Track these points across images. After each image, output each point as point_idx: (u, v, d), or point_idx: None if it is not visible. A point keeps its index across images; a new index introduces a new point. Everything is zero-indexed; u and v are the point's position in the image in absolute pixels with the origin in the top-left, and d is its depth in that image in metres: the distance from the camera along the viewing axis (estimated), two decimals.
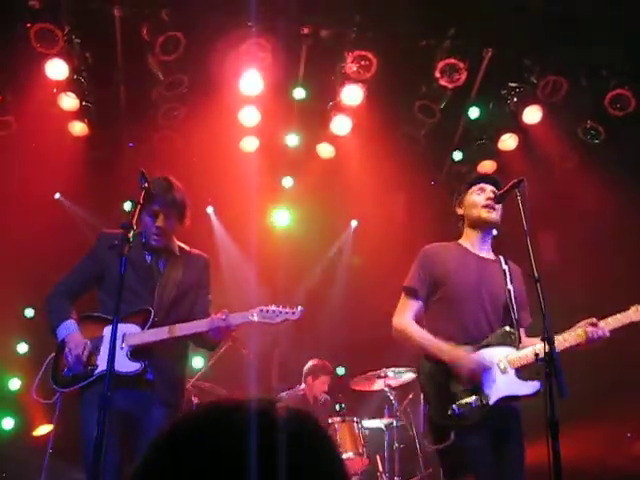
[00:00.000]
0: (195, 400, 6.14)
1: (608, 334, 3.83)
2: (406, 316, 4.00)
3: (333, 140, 7.92)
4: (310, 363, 7.43)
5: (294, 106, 7.52)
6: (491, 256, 4.18)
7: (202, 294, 4.17)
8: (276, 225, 8.66)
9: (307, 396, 7.28)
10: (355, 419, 6.48)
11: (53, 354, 3.97)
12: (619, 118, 7.16)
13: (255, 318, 3.79)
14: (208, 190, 7.82)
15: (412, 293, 4.05)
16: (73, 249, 6.84)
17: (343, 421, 6.39)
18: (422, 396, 3.96)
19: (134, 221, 3.44)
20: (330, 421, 6.35)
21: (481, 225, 4.12)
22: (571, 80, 7.14)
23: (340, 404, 6.90)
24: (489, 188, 4.11)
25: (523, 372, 3.83)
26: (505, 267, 4.10)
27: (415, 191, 8.62)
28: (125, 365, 3.75)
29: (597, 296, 5.83)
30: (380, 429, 6.71)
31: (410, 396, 6.67)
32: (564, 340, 3.75)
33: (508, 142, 7.80)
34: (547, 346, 3.34)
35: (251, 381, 7.10)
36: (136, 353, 3.81)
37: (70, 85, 6.95)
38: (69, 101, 7.06)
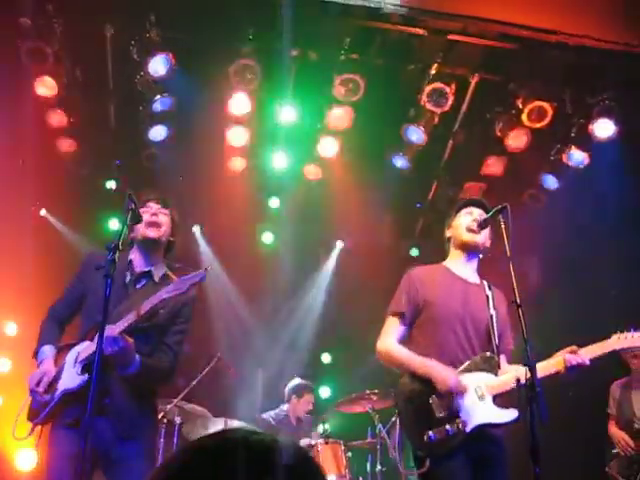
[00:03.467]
0: (178, 420, 6.13)
1: (587, 362, 3.81)
2: (390, 338, 4.04)
3: (320, 162, 7.97)
4: (293, 382, 7.42)
5: (282, 127, 7.58)
6: (476, 280, 4.22)
7: (172, 329, 3.91)
8: (262, 245, 8.70)
9: (290, 417, 7.28)
10: (338, 441, 6.40)
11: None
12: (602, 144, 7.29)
13: (165, 295, 3.55)
14: (194, 209, 7.84)
15: (397, 317, 4.07)
16: (57, 266, 6.90)
17: (326, 443, 6.30)
18: (398, 420, 3.99)
19: (120, 242, 3.42)
20: (313, 442, 6.29)
21: (464, 247, 4.18)
22: (556, 105, 7.25)
23: (324, 422, 6.88)
24: (476, 211, 4.17)
25: (501, 399, 3.83)
26: (488, 292, 4.13)
27: (401, 213, 8.75)
28: (73, 381, 3.65)
29: (581, 320, 5.92)
30: (363, 451, 6.67)
31: (393, 418, 6.53)
32: (542, 368, 3.70)
33: (494, 167, 7.88)
34: (529, 372, 3.34)
35: (235, 400, 7.12)
36: (87, 368, 3.64)
37: (59, 102, 6.99)
38: (57, 118, 7.09)
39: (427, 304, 4.04)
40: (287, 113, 7.30)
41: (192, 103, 7.03)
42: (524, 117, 7.21)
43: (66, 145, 7.34)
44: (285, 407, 7.30)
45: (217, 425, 6.29)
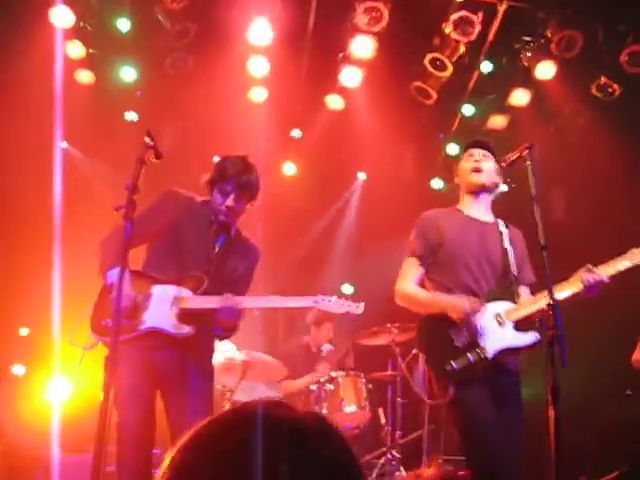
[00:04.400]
0: None
1: (607, 279, 3.75)
2: (408, 282, 4.11)
3: (343, 92, 7.83)
4: (312, 312, 7.46)
5: (304, 57, 7.43)
6: (489, 219, 4.25)
7: (242, 285, 4.14)
8: (284, 176, 8.60)
9: (311, 346, 7.35)
10: (359, 373, 6.50)
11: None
12: (635, 75, 7.07)
13: (313, 304, 3.91)
14: (215, 140, 7.72)
15: (416, 260, 4.14)
16: (83, 197, 6.94)
17: (347, 375, 6.40)
18: (420, 355, 4.06)
19: (137, 182, 3.38)
20: (334, 375, 6.38)
21: (471, 189, 4.23)
22: (587, 35, 7.02)
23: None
24: (477, 152, 4.22)
25: (521, 324, 3.89)
26: (504, 229, 4.19)
27: (424, 144, 8.56)
28: (175, 326, 3.82)
29: (607, 255, 5.86)
30: (384, 383, 6.77)
31: (414, 351, 6.61)
32: (559, 290, 3.66)
33: (520, 97, 7.72)
34: (552, 312, 3.29)
35: (257, 333, 7.20)
36: (184, 317, 3.84)
37: (76, 33, 6.87)
38: (75, 49, 6.98)
39: (442, 244, 4.10)
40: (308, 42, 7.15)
41: (211, 32, 6.91)
42: (553, 47, 7.00)
43: (85, 76, 7.28)
44: (306, 338, 7.33)
45: (241, 355, 6.30)
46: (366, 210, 8.72)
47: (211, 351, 4.15)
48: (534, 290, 4.06)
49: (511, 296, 3.97)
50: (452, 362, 3.78)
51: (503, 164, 3.90)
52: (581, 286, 3.75)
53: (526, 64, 7.32)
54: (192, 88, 7.38)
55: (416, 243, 4.16)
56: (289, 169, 8.63)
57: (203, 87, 7.35)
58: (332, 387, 6.29)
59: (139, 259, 4.11)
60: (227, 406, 6.00)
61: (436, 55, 7.22)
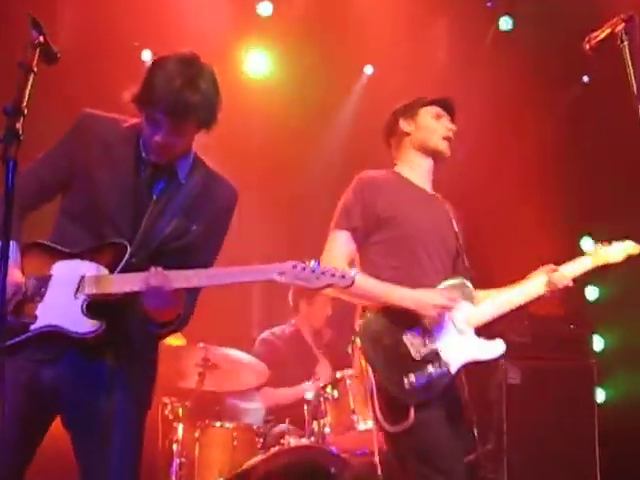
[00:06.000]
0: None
1: (572, 283, 4.65)
2: (341, 261, 4.42)
3: None
4: None
5: None
6: (432, 192, 4.86)
7: (200, 255, 4.00)
8: (249, 74, 8.77)
9: (303, 332, 7.33)
10: None
11: None
12: None
13: (279, 277, 3.66)
14: (143, 26, 7.69)
15: (348, 234, 4.56)
16: None
17: (359, 375, 5.98)
18: (365, 365, 4.41)
19: (24, 102, 3.22)
20: (339, 375, 6.22)
21: (433, 154, 4.81)
22: None
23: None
24: (446, 118, 4.82)
25: (481, 331, 4.44)
26: (447, 206, 4.84)
27: (463, 18, 8.68)
28: (77, 322, 3.70)
29: None
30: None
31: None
32: (523, 294, 4.59)
33: None
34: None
35: (220, 319, 7.15)
36: (96, 307, 3.72)
37: None
38: None
39: (388, 219, 4.54)
40: None
41: None
42: None
43: None
44: (294, 321, 7.34)
45: (195, 354, 6.43)
46: (374, 125, 8.65)
47: (149, 360, 4.05)
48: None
49: (469, 295, 4.52)
50: (413, 376, 4.19)
51: (586, 46, 3.85)
52: (547, 290, 4.58)
53: None
54: None
55: (352, 211, 4.54)
56: (256, 64, 8.72)
57: None
58: (337, 394, 6.14)
59: None
60: (178, 436, 6.03)
61: None
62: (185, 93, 3.71)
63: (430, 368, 4.23)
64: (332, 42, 8.51)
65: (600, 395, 8.22)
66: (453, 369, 4.28)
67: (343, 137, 9.08)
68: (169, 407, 6.45)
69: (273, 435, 6.40)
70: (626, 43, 3.57)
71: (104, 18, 7.77)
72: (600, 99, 8.11)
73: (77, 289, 3.74)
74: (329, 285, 3.67)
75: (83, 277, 3.75)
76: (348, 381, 6.18)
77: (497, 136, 8.46)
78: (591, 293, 8.99)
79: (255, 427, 6.52)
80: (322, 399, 6.17)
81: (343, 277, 3.66)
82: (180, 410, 6.37)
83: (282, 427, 6.44)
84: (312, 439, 6.01)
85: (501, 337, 4.58)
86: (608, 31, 3.66)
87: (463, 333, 4.40)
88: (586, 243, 8.03)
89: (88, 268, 3.78)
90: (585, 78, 8.74)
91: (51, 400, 3.73)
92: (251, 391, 7.09)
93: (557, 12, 8.14)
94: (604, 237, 4.91)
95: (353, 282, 3.67)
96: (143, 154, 3.91)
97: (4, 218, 3.10)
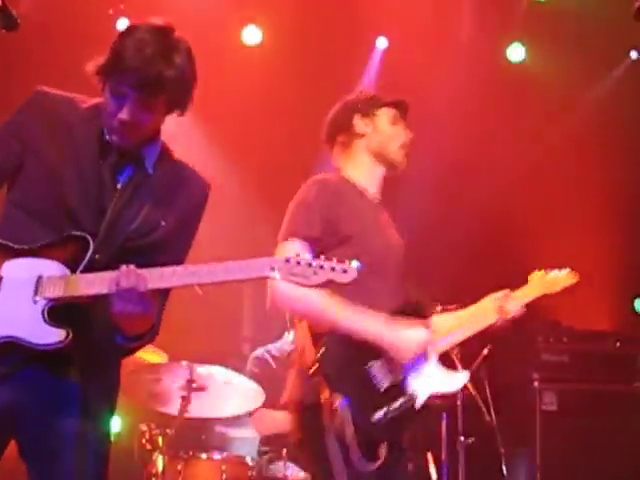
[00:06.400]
0: None
1: (524, 310, 5.09)
2: None
3: None
4: None
5: None
6: (379, 201, 4.97)
7: (170, 251, 3.96)
8: (245, 45, 9.10)
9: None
10: None
11: None
12: None
13: (271, 273, 3.56)
14: None
15: (307, 243, 4.50)
16: None
17: None
18: (329, 396, 4.32)
19: None
20: None
21: (388, 164, 4.89)
22: None
23: None
24: (402, 123, 4.95)
25: (444, 359, 4.68)
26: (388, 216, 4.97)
27: None
28: (38, 332, 3.62)
29: None
30: (434, 410, 6.54)
31: (485, 352, 6.77)
32: (472, 322, 4.98)
33: None
34: None
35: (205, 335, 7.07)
36: (57, 313, 3.64)
37: None
38: None
39: (348, 237, 4.58)
40: None
41: None
42: None
43: None
44: (291, 336, 7.19)
45: (178, 374, 6.32)
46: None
47: (113, 378, 3.99)
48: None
49: (427, 321, 4.69)
50: (386, 409, 4.30)
51: (636, 11, 3.69)
52: (499, 318, 4.98)
53: None
54: None
55: (312, 219, 4.53)
56: (251, 36, 9.02)
57: None
58: None
59: None
60: (157, 469, 6.21)
61: None
62: (157, 64, 3.71)
63: (400, 400, 4.34)
64: (336, 9, 8.72)
65: None
66: (419, 402, 4.42)
67: None
68: (147, 435, 6.35)
69: (268, 470, 6.41)
70: None
71: None
72: None
73: (35, 292, 3.66)
74: (329, 281, 3.60)
75: (41, 278, 3.68)
76: None
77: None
78: None
79: (247, 459, 6.48)
80: None
81: (345, 272, 3.59)
82: (160, 439, 6.25)
83: (279, 465, 6.42)
84: None
85: (534, 355, 4.63)
86: None
87: (427, 363, 4.53)
88: None
89: (45, 267, 3.71)
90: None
91: (6, 422, 3.66)
92: (243, 417, 7.05)
93: None
94: None
95: (352, 275, 3.63)
96: (106, 137, 3.87)
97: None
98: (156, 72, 3.70)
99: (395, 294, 4.68)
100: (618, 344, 7.53)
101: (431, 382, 4.52)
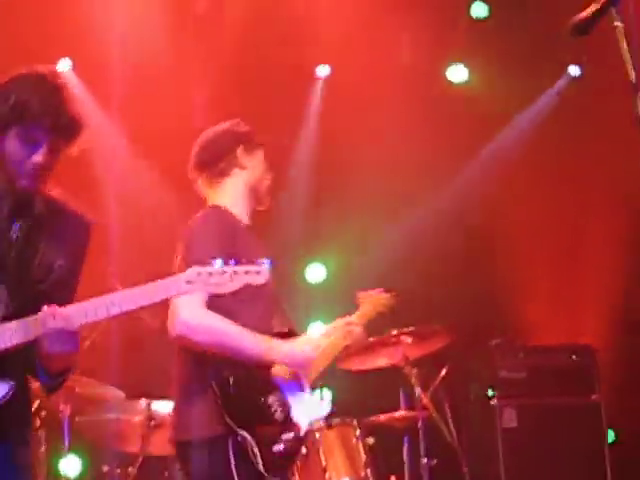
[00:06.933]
0: (64, 409, 6.21)
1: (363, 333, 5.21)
2: (199, 304, 4.46)
3: None
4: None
5: None
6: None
7: (67, 289, 3.97)
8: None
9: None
10: (349, 420, 6.45)
11: None
12: None
13: (188, 287, 3.64)
14: (65, 35, 7.92)
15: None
16: None
17: (330, 426, 6.30)
18: (231, 427, 4.36)
19: None
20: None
21: (259, 202, 5.03)
22: None
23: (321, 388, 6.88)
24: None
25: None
26: None
27: (432, 6, 8.70)
28: None
29: None
30: (395, 433, 6.79)
31: (443, 372, 6.72)
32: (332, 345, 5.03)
33: None
34: None
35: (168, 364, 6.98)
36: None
37: None
38: None
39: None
40: None
41: None
42: None
43: None
44: None
45: (132, 411, 6.35)
46: (333, 128, 8.81)
47: (28, 421, 4.03)
48: None
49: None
50: (285, 441, 4.39)
51: (571, 27, 3.66)
52: (349, 341, 5.11)
53: None
54: None
55: (214, 248, 4.43)
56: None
57: None
58: (305, 450, 5.98)
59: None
60: None
61: None
62: (66, 108, 3.82)
63: (294, 431, 4.44)
64: (272, 36, 8.74)
65: (610, 435, 8.05)
66: (303, 431, 4.51)
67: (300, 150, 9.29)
68: (109, 476, 6.43)
69: None
70: (618, 23, 3.41)
71: None
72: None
73: None
74: (247, 286, 3.70)
75: None
76: (317, 434, 6.22)
77: None
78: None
79: None
80: None
81: (258, 273, 3.73)
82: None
83: None
84: None
85: (491, 373, 4.61)
86: (596, 8, 3.50)
87: (304, 391, 4.64)
88: None
89: None
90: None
91: None
92: None
93: None
94: None
95: (265, 276, 3.75)
96: (4, 183, 3.87)
97: None
98: (69, 116, 3.82)
99: (271, 318, 4.80)
100: (574, 357, 7.56)
101: (309, 409, 4.62)
